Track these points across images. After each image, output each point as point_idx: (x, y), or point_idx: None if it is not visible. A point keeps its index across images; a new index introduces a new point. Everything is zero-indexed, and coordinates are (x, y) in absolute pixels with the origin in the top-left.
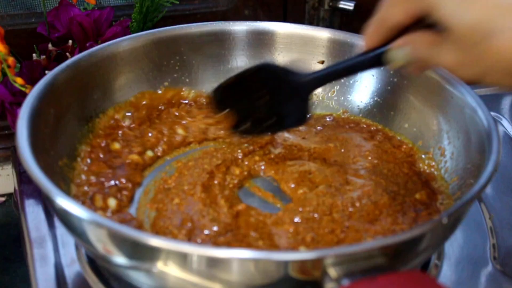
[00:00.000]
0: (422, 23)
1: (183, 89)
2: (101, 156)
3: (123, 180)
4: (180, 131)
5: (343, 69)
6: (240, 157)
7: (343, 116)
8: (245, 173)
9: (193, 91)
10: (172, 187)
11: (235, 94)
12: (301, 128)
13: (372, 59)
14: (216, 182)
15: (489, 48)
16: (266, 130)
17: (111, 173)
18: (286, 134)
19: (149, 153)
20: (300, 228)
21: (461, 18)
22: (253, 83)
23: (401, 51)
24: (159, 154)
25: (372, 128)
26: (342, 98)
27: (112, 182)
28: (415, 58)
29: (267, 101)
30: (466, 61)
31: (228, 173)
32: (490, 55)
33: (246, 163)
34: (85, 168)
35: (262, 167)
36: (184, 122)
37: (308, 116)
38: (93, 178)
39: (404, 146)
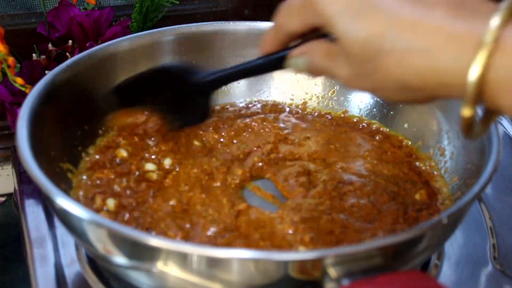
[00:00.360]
0: (319, 31)
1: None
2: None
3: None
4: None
5: (243, 71)
6: (241, 157)
7: (342, 116)
8: (247, 174)
9: None
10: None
11: (137, 92)
12: (302, 126)
13: (273, 62)
14: (218, 183)
15: (379, 66)
16: (169, 125)
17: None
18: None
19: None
20: (299, 229)
21: (353, 34)
22: (155, 82)
23: (299, 60)
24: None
25: (371, 128)
26: (342, 98)
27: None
28: (311, 67)
29: (168, 99)
30: (358, 75)
31: (229, 173)
32: (380, 72)
33: (248, 163)
34: (87, 172)
35: (262, 168)
36: None
37: (208, 115)
38: (94, 181)
39: (404, 146)
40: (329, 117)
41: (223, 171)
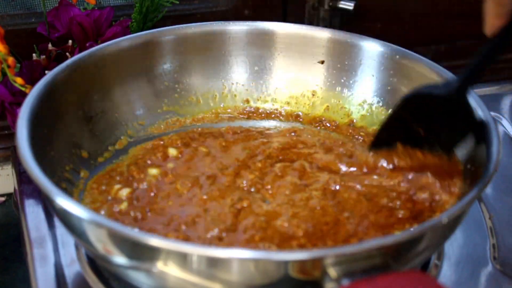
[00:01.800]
0: None
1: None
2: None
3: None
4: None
5: (487, 57)
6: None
7: (342, 115)
8: (257, 178)
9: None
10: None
11: (393, 135)
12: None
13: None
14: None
15: None
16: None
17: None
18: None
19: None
20: (294, 226)
21: None
22: (406, 116)
23: None
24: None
25: (369, 130)
26: (343, 98)
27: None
28: None
29: (429, 128)
30: None
31: (238, 177)
32: None
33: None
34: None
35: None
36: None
37: (473, 123)
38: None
39: None
40: (329, 119)
41: (229, 174)
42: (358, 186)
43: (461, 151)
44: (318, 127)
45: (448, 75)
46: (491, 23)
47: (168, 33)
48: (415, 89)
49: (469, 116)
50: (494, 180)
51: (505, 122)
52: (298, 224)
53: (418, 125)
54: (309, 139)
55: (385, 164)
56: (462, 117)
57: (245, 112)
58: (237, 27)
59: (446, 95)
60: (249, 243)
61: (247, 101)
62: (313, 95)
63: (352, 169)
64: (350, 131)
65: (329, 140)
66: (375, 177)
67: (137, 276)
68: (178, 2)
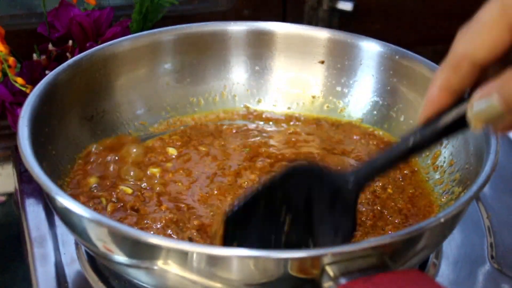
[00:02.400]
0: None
1: None
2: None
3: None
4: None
5: (409, 151)
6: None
7: (341, 115)
8: (258, 178)
9: None
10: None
11: (252, 220)
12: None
13: (439, 132)
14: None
15: None
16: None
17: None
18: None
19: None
20: None
21: None
22: (275, 198)
23: (486, 102)
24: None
25: (369, 130)
26: (343, 98)
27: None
28: (509, 106)
29: (297, 218)
30: None
31: (239, 176)
32: None
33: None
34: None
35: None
36: None
37: (355, 225)
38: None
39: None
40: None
41: (230, 174)
42: None
43: (460, 152)
44: (318, 127)
45: None
46: (433, 96)
47: (168, 33)
48: (296, 165)
49: (351, 221)
50: (492, 180)
51: None
52: None
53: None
54: (309, 138)
55: None
56: (341, 220)
57: (245, 112)
58: (237, 27)
59: (333, 187)
60: None
61: (247, 101)
62: (313, 95)
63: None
64: (350, 131)
65: (329, 140)
66: None
67: (137, 275)
68: (177, 3)
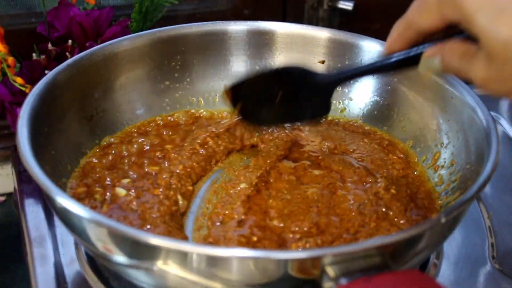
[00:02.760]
0: (452, 29)
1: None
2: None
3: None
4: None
5: (370, 70)
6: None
7: (342, 115)
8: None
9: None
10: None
11: (252, 91)
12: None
13: (402, 61)
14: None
15: None
16: (280, 121)
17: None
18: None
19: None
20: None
21: (495, 34)
22: (272, 82)
23: (433, 60)
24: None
25: (370, 128)
26: (343, 97)
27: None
28: (445, 69)
29: (285, 97)
30: (497, 79)
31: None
32: None
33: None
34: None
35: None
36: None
37: (328, 110)
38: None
39: (403, 146)
40: (328, 119)
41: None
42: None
43: (461, 151)
44: (319, 126)
45: (448, 75)
46: (393, 42)
47: (168, 32)
48: (291, 65)
49: (324, 107)
50: (493, 180)
51: (503, 122)
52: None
53: (276, 91)
54: (309, 137)
55: None
56: (317, 105)
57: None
58: (237, 27)
59: (323, 80)
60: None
61: None
62: None
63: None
64: (350, 129)
65: (330, 139)
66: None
67: (137, 275)
68: (177, 2)
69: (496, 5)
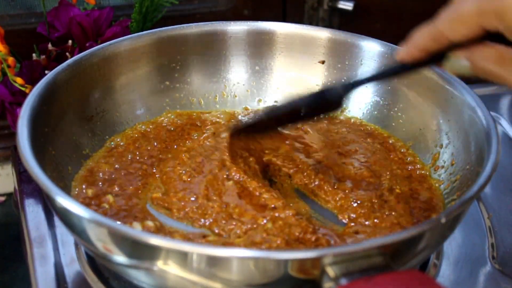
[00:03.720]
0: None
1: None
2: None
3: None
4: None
5: (386, 74)
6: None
7: (341, 115)
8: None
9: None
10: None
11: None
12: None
13: (414, 66)
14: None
15: None
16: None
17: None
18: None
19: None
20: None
21: None
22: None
23: (462, 62)
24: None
25: (370, 128)
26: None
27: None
28: (477, 72)
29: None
30: None
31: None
32: None
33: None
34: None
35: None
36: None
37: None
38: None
39: (403, 146)
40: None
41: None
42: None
43: (461, 152)
44: (319, 126)
45: (448, 75)
46: (412, 52)
47: (168, 33)
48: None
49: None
50: (493, 180)
51: (503, 122)
52: None
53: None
54: (309, 137)
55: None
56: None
57: (246, 111)
58: (237, 27)
59: (337, 96)
60: None
61: (248, 101)
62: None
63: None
64: (351, 130)
65: (330, 138)
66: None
67: (137, 275)
68: (177, 2)
69: None
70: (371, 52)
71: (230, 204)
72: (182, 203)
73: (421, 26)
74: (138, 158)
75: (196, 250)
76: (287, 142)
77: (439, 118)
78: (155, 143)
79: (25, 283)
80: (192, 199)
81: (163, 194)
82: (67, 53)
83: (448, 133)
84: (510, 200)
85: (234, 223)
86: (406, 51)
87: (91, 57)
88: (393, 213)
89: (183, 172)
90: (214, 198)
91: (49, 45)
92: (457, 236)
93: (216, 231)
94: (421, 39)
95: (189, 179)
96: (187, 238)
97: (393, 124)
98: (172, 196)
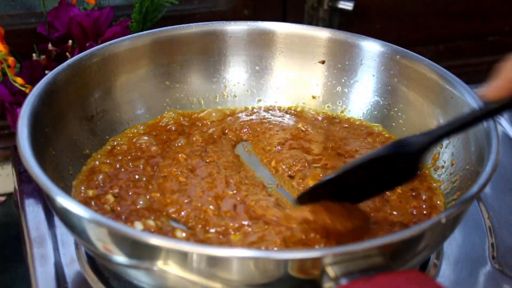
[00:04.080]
0: None
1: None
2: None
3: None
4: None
5: (458, 127)
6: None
7: (342, 115)
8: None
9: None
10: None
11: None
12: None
13: (496, 110)
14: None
15: None
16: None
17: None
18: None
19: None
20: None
21: None
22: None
23: None
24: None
25: (370, 129)
26: (343, 98)
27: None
28: None
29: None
30: None
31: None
32: None
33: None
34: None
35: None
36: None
37: (417, 172)
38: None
39: None
40: (329, 118)
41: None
42: None
43: (461, 152)
44: (319, 126)
45: (448, 75)
46: (498, 91)
47: (168, 33)
48: (379, 151)
49: (415, 170)
50: (493, 180)
51: (504, 122)
52: None
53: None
54: (309, 137)
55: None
56: (409, 170)
57: (246, 111)
58: (237, 27)
59: (409, 154)
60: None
61: (248, 100)
62: (313, 95)
63: None
64: (351, 130)
65: (331, 138)
66: None
67: (137, 275)
68: (177, 2)
69: None
70: (371, 52)
71: (228, 211)
72: (178, 205)
73: (509, 56)
74: (138, 158)
75: (196, 250)
76: (287, 142)
77: (439, 118)
78: (155, 143)
79: (25, 283)
80: (186, 201)
81: (162, 194)
82: (67, 53)
83: None
84: (510, 200)
85: (231, 224)
86: (490, 91)
87: (91, 57)
88: (393, 212)
89: (179, 173)
90: (210, 199)
91: (49, 45)
92: (457, 236)
93: (213, 230)
94: (508, 77)
95: (185, 180)
96: (187, 238)
97: (393, 124)
98: (168, 197)
